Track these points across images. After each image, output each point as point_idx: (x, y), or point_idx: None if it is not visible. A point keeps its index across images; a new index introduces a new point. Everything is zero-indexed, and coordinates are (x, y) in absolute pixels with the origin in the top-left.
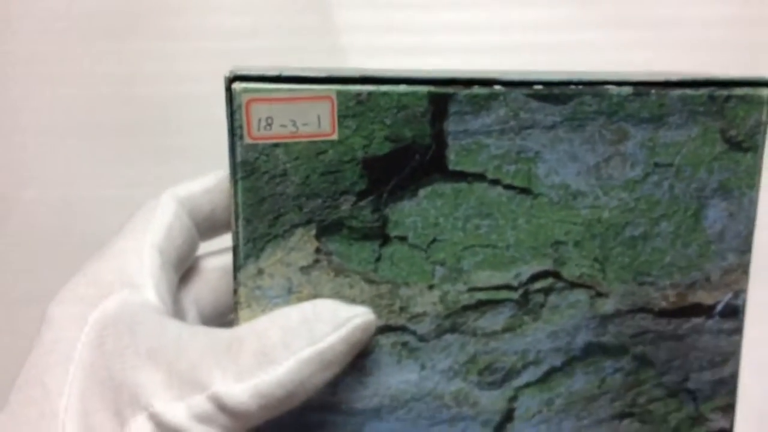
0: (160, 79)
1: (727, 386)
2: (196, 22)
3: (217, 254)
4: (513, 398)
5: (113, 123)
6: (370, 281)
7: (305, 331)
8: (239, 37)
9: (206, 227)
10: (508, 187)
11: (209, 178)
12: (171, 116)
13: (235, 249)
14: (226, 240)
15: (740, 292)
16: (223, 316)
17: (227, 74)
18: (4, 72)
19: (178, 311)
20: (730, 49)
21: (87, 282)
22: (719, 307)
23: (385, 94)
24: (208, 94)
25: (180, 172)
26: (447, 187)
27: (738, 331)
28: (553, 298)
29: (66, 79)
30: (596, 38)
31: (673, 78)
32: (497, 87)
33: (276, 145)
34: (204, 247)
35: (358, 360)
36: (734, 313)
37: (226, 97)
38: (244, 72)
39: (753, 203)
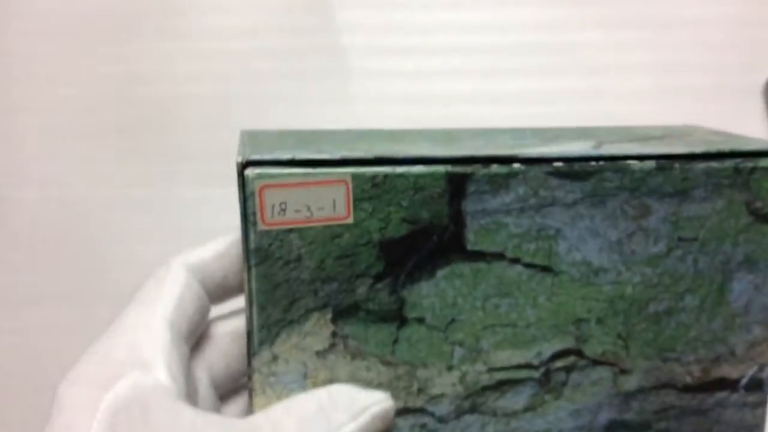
0: (160, 79)
1: None
2: (196, 22)
3: (227, 318)
4: None
5: (113, 123)
6: (388, 364)
7: (322, 421)
8: (239, 37)
9: (218, 294)
10: (528, 265)
11: (219, 242)
12: (171, 116)
13: (249, 335)
14: (237, 302)
15: (765, 365)
16: (236, 381)
17: (239, 159)
18: (4, 72)
19: (190, 382)
20: (730, 49)
21: (98, 361)
22: (744, 381)
23: (401, 175)
24: (208, 94)
25: (180, 172)
26: (465, 267)
27: (762, 403)
28: (575, 376)
29: (66, 79)
30: (596, 38)
31: (697, 150)
32: (516, 165)
33: (290, 230)
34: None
35: None
36: (759, 386)
37: (239, 182)
38: (257, 157)
39: None
